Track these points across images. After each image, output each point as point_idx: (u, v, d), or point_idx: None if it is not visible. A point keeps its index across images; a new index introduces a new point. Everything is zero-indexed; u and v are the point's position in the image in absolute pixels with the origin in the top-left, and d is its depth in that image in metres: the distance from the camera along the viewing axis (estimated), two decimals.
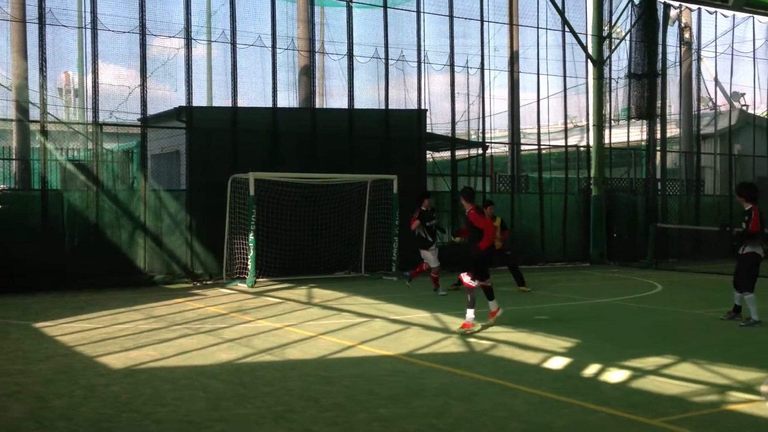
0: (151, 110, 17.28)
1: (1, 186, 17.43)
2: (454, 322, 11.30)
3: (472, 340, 10.08)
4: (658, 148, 25.04)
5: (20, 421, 6.31)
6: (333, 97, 21.25)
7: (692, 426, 6.21)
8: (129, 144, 20.30)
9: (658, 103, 24.19)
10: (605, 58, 24.11)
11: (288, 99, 20.10)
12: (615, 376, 8.05)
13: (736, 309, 11.66)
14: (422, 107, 20.91)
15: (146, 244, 16.76)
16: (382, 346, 9.60)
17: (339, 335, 10.43)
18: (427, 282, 15.22)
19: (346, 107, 19.91)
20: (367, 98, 20.97)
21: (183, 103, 17.57)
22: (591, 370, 8.32)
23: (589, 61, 23.97)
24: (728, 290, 13.47)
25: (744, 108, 29.50)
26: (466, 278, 10.94)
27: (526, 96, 24.27)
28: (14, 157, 17.18)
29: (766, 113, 28.75)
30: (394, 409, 6.72)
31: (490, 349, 9.53)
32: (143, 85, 16.97)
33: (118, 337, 10.22)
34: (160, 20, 17.58)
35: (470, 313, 10.63)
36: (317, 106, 20.47)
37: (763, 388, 7.38)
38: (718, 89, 27.88)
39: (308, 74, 20.02)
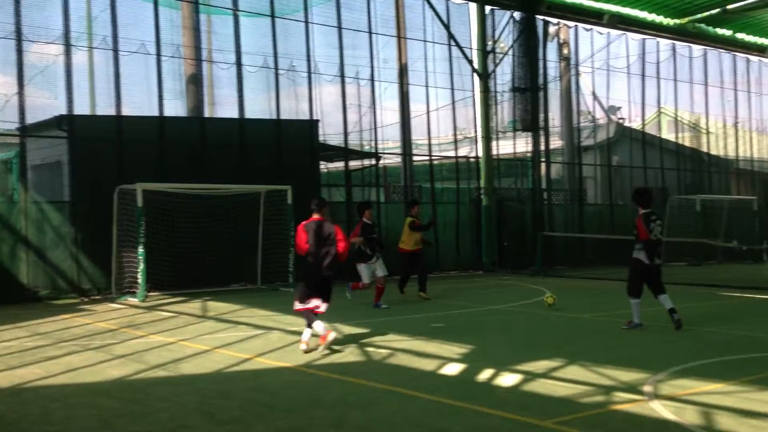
0: (30, 119, 16.59)
1: None
2: (353, 332, 11.35)
3: (370, 349, 10.15)
4: (543, 159, 25.99)
5: None
6: (223, 106, 20.97)
7: (581, 426, 6.46)
8: (7, 154, 19.34)
9: (542, 116, 25.11)
10: (490, 72, 24.82)
11: (176, 108, 19.69)
12: (508, 380, 8.29)
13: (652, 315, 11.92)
14: (314, 118, 20.93)
15: (29, 258, 16.03)
16: (279, 358, 9.53)
17: (235, 348, 10.29)
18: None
19: (237, 117, 19.68)
20: (259, 108, 20.79)
21: (64, 112, 16.93)
22: (485, 375, 8.53)
23: (475, 74, 24.61)
24: (612, 295, 14.11)
25: (620, 121, 31.02)
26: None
27: (417, 107, 24.70)
28: None
29: (640, 126, 30.29)
30: (292, 420, 6.69)
31: (387, 357, 9.62)
32: (21, 93, 16.27)
33: (2, 355, 9.73)
34: (37, 26, 16.91)
35: (318, 327, 9.83)
36: (207, 115, 20.16)
37: (646, 388, 7.75)
38: (596, 103, 29.17)
39: (196, 83, 19.68)
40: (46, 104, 17.45)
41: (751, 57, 32.67)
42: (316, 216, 10.14)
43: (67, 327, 12.24)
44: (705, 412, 6.84)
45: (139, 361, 9.39)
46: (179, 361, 9.34)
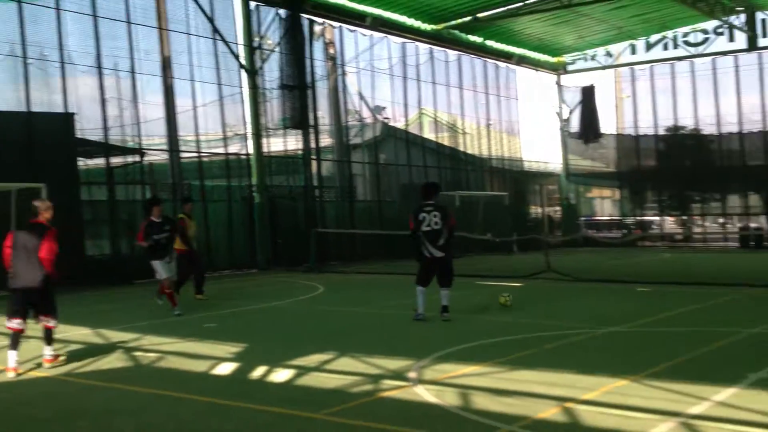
0: None
1: None
2: (118, 337, 10.85)
3: (137, 353, 9.76)
4: (314, 156, 26.39)
5: None
6: None
7: (351, 415, 6.68)
8: None
9: (312, 114, 25.49)
10: (258, 68, 24.77)
11: None
12: (280, 375, 8.36)
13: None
14: (69, 111, 19.66)
15: None
16: (37, 368, 8.88)
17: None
18: (86, 298, 14.38)
19: None
20: (6, 99, 19.18)
21: None
22: (258, 372, 8.54)
23: (242, 70, 24.44)
24: (382, 288, 14.62)
25: (386, 121, 32.33)
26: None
27: (183, 102, 24.01)
28: None
29: (404, 126, 31.75)
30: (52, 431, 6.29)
31: (156, 361, 9.31)
32: None
33: None
34: None
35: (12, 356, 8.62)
36: None
37: (411, 375, 8.17)
38: (362, 103, 30.15)
39: None
40: None
41: (499, 63, 35.40)
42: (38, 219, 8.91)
43: None
44: (463, 393, 7.34)
45: None
46: None
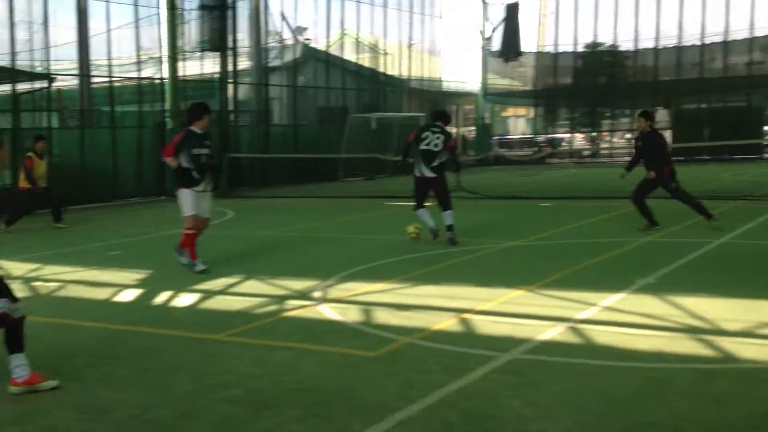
0: None
1: None
2: (17, 267, 10.55)
3: (37, 283, 9.55)
4: (230, 80, 25.77)
5: None
6: None
7: (254, 335, 6.74)
8: None
9: (231, 36, 24.78)
10: None
11: None
12: (185, 300, 8.33)
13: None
14: None
15: None
16: None
17: None
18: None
19: None
20: None
21: None
22: (161, 298, 8.49)
23: None
24: (292, 212, 14.50)
25: (307, 42, 31.70)
26: None
27: (96, 26, 23.02)
28: None
29: (325, 47, 31.22)
30: None
31: (56, 290, 9.14)
32: None
33: None
34: None
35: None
36: None
37: (315, 294, 8.26)
38: (284, 24, 29.44)
39: None
40: None
41: None
42: None
43: None
44: (365, 309, 7.48)
45: None
46: None
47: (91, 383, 5.54)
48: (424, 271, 9.37)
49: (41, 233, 14.58)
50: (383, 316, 7.19)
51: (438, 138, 11.41)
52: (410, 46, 35.19)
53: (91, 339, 6.83)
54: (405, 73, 34.83)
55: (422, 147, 11.41)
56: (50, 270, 10.42)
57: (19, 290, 9.06)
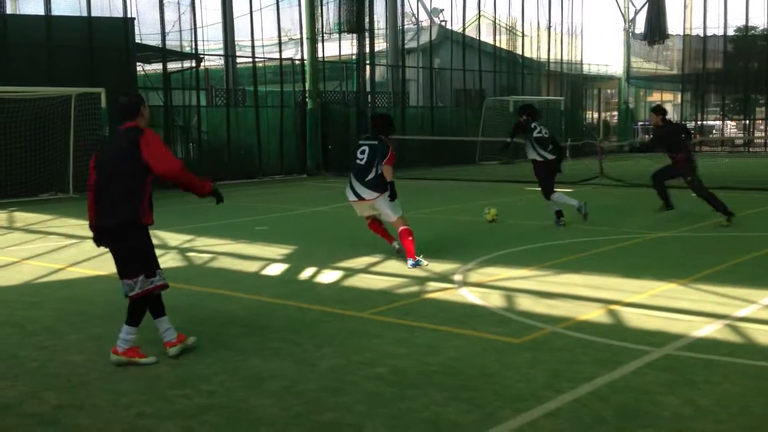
0: None
1: None
2: (173, 238, 11.16)
3: (191, 254, 10.04)
4: (367, 61, 26.07)
5: None
6: (27, 2, 19.33)
7: (395, 314, 6.80)
8: None
9: (367, 18, 25.05)
10: None
11: None
12: (328, 277, 8.52)
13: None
14: (129, 15, 19.73)
15: None
16: (95, 267, 9.22)
17: (46, 259, 9.84)
18: None
19: (43, 14, 18.18)
20: (67, 4, 19.35)
21: None
22: (306, 273, 8.72)
23: None
24: (431, 193, 14.49)
25: (443, 24, 31.55)
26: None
27: (240, 7, 23.92)
28: None
29: (461, 29, 30.98)
30: (107, 328, 6.53)
31: (209, 261, 9.57)
32: None
33: None
34: None
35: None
36: (9, 11, 18.47)
37: (456, 277, 8.24)
38: (420, 5, 29.44)
39: None
40: None
41: None
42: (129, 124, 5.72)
43: None
44: (508, 295, 7.39)
45: None
46: None
47: (245, 352, 5.76)
48: (567, 259, 9.16)
49: (191, 206, 15.27)
50: (526, 303, 7.09)
51: (543, 128, 11.79)
52: (549, 28, 34.35)
53: (244, 310, 7.10)
54: (543, 56, 34.07)
55: (535, 135, 11.65)
56: (202, 242, 10.93)
57: (174, 260, 9.61)
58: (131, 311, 5.55)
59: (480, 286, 7.80)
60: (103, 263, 9.44)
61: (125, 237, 5.53)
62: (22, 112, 16.69)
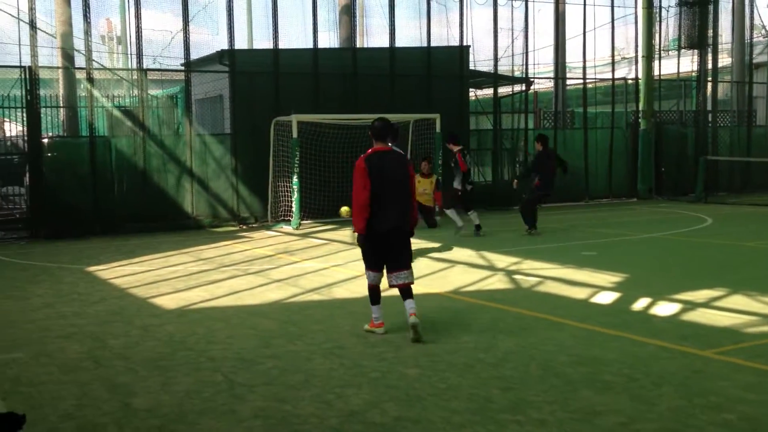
0: (194, 55, 17.28)
1: (50, 134, 17.69)
2: (500, 260, 11.30)
3: (518, 277, 10.06)
4: (709, 78, 24.30)
5: (79, 360, 6.51)
6: (374, 36, 21.08)
7: (744, 356, 6.15)
8: (173, 89, 20.39)
9: (710, 32, 23.41)
10: None
11: (329, 39, 19.99)
12: (665, 309, 7.98)
13: None
14: (465, 44, 20.56)
15: (193, 188, 16.93)
16: (427, 284, 9.63)
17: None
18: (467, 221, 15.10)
19: (387, 46, 19.66)
20: (409, 36, 20.75)
21: (224, 47, 17.52)
22: (640, 304, 8.26)
23: None
24: None
25: None
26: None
27: (572, 29, 23.75)
28: (62, 105, 17.38)
29: None
30: (441, 344, 6.76)
31: (536, 285, 9.50)
32: (185, 30, 16.88)
33: (169, 279, 10.43)
34: None
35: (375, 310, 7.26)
36: (358, 45, 20.27)
37: None
38: None
39: (349, 13, 19.79)
40: (207, 40, 18.18)
41: None
42: (379, 145, 7.18)
43: (228, 253, 12.92)
44: None
45: (294, 285, 9.79)
46: (332, 286, 9.65)
47: (575, 382, 5.57)
48: None
49: (518, 227, 15.40)
50: None
51: None
52: None
53: (573, 338, 6.90)
54: None
55: None
56: (529, 265, 10.90)
57: (502, 282, 9.70)
58: (410, 292, 7.05)
59: None
60: (434, 281, 9.87)
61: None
62: (366, 137, 18.08)
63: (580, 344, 6.68)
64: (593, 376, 5.72)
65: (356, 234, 7.14)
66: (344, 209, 10.96)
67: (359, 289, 9.44)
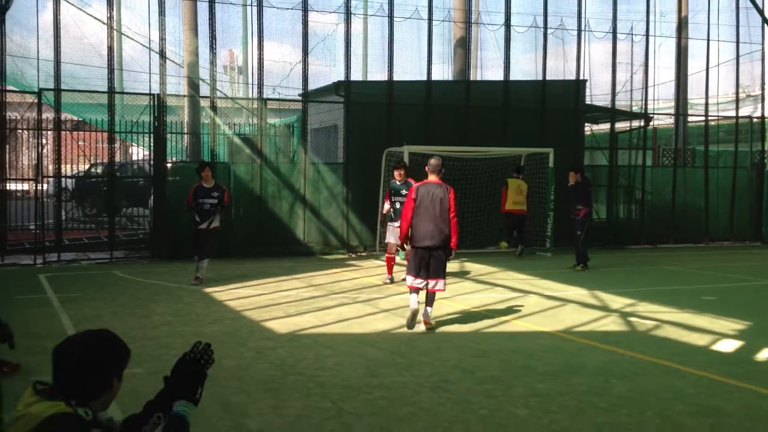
0: (311, 85, 17.76)
1: (174, 158, 18.50)
2: (614, 301, 10.98)
3: (633, 319, 9.73)
4: None
5: None
6: (488, 69, 21.03)
7: None
8: (290, 118, 20.98)
9: None
10: None
11: (443, 71, 20.09)
12: None
13: None
14: (581, 77, 20.27)
15: (305, 215, 17.30)
16: (537, 322, 9.46)
17: (493, 310, 10.37)
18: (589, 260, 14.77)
19: (502, 79, 19.61)
20: (523, 69, 20.58)
21: (340, 78, 17.94)
22: (765, 354, 7.83)
23: (765, 24, 22.32)
24: None
25: None
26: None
27: (694, 64, 22.99)
28: (186, 131, 18.19)
29: None
30: (551, 384, 6.61)
31: (653, 329, 9.16)
32: (304, 61, 17.40)
33: (281, 303, 10.65)
34: None
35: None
36: (472, 78, 20.32)
37: None
38: None
39: (464, 46, 19.87)
40: (324, 71, 18.65)
41: None
42: (432, 178, 9.17)
43: (338, 280, 13.10)
44: None
45: (402, 315, 9.77)
46: (439, 318, 9.61)
47: None
48: None
49: (634, 268, 14.91)
50: None
51: None
52: None
53: (692, 386, 6.61)
54: None
55: None
56: (645, 307, 10.53)
57: (616, 324, 9.41)
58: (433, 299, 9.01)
59: None
60: (544, 319, 9.67)
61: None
62: (478, 169, 18.06)
63: (701, 393, 6.39)
64: (717, 428, 5.45)
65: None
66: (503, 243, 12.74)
67: (467, 323, 9.38)
